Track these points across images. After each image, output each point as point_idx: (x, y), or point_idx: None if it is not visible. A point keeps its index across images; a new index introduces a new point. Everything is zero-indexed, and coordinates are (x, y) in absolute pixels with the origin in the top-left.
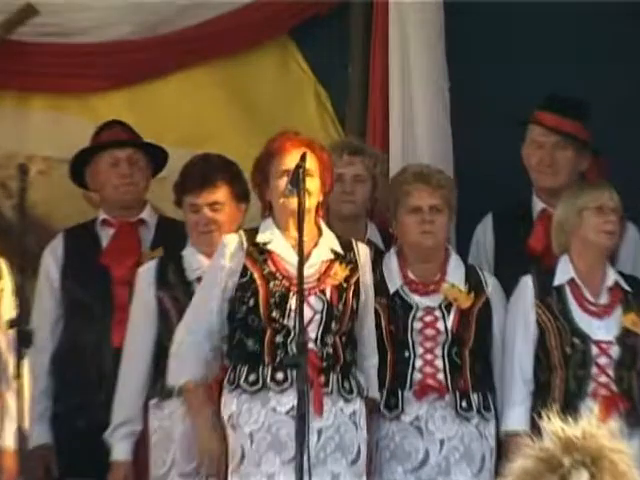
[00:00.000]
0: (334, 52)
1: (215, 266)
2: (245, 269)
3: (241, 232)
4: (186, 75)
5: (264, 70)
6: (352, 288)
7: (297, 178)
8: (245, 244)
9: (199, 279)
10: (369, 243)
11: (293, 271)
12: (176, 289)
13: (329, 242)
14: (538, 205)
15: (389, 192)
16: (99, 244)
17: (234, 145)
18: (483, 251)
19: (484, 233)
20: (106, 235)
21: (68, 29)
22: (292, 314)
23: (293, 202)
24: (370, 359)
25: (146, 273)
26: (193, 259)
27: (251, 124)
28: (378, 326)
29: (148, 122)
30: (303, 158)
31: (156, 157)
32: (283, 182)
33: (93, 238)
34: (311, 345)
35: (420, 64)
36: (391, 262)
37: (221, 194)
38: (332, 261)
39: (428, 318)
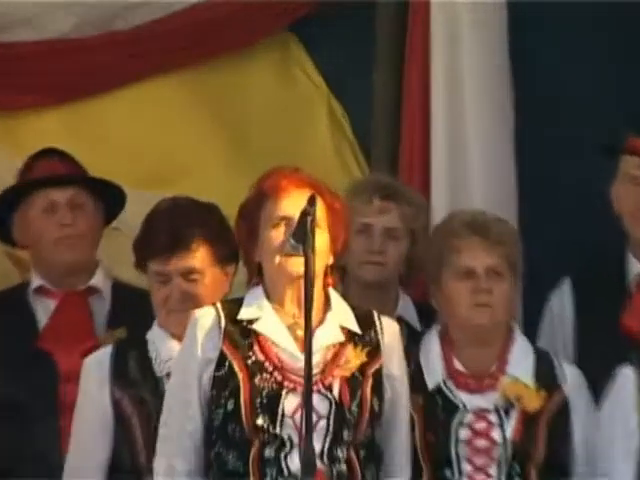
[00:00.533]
0: (354, 54)
1: (185, 354)
2: (223, 357)
3: (218, 305)
4: (147, 88)
5: (257, 80)
6: (371, 380)
7: (304, 229)
8: (223, 322)
9: (170, 375)
10: (400, 321)
11: (288, 360)
12: (140, 387)
13: (340, 318)
14: (635, 266)
15: (430, 248)
16: (34, 322)
17: (215, 185)
18: (559, 331)
19: (560, 305)
20: (44, 309)
21: None
22: (286, 420)
23: (295, 263)
24: (400, 479)
25: (96, 365)
26: (162, 346)
27: (239, 156)
28: (412, 434)
29: (93, 154)
30: (312, 202)
31: (109, 199)
32: (279, 234)
33: (26, 312)
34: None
35: (475, 71)
36: (431, 346)
37: (199, 258)
38: (343, 344)
39: (480, 424)
